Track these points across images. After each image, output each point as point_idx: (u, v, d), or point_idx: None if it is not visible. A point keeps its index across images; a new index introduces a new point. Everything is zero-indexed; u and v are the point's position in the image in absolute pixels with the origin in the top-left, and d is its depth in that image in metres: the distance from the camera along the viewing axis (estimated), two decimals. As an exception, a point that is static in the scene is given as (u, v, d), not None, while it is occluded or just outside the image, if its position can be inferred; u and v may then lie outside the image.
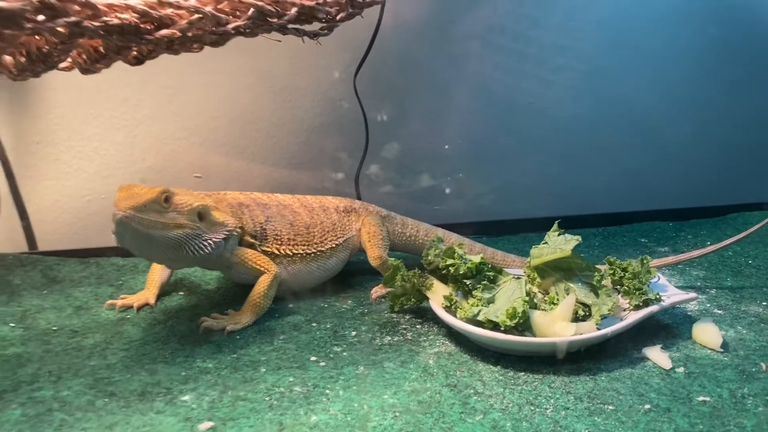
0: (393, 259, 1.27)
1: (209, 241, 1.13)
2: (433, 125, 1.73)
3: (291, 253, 1.28)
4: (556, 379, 1.00)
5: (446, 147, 1.73)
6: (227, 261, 1.20)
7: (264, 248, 1.25)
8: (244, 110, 1.61)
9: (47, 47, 0.95)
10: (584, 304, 1.11)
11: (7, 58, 1.01)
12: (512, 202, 1.78)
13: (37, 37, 0.95)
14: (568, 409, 0.92)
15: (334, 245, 1.34)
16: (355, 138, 1.65)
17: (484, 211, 1.77)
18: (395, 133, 1.69)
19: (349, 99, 1.63)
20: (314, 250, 1.31)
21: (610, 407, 0.93)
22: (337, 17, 1.06)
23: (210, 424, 0.88)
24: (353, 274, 1.44)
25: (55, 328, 1.17)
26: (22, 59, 0.99)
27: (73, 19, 0.85)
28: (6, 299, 1.28)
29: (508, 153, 1.79)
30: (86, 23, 0.87)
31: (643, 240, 1.73)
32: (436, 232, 1.47)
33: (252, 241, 1.24)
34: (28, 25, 0.85)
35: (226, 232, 1.17)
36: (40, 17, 0.85)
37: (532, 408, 0.92)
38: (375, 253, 1.36)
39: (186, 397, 0.95)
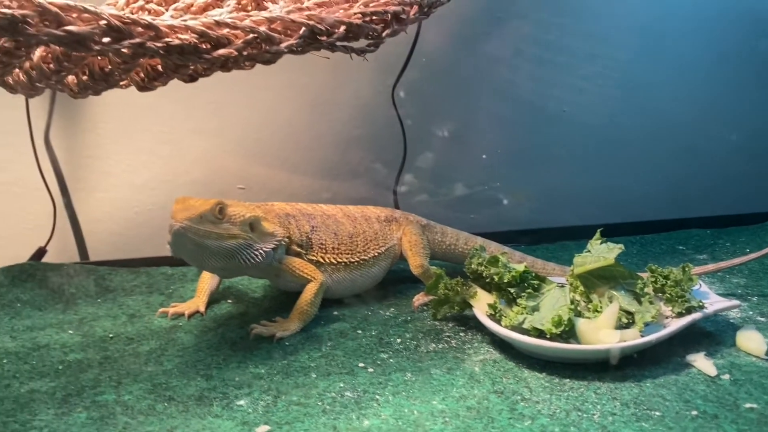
0: (435, 267, 1.29)
1: (260, 250, 1.17)
2: (470, 135, 1.75)
3: (335, 262, 1.31)
4: (601, 385, 1.02)
5: (483, 156, 1.76)
6: (276, 269, 1.24)
7: (310, 257, 1.28)
8: (285, 123, 1.65)
9: (110, 67, 1.00)
10: (627, 312, 1.11)
11: (70, 78, 1.06)
12: (549, 211, 1.79)
13: (99, 57, 1.00)
14: (615, 414, 0.94)
15: (376, 254, 1.37)
16: (393, 149, 1.69)
17: (521, 220, 1.78)
18: (432, 144, 1.72)
19: (386, 111, 1.66)
20: (357, 259, 1.34)
21: (657, 413, 0.94)
22: (383, 34, 1.08)
23: (266, 427, 0.91)
24: (394, 282, 1.46)
25: (111, 335, 1.21)
26: (84, 78, 1.04)
27: (137, 40, 0.89)
28: (63, 307, 1.33)
29: (545, 161, 1.80)
30: (149, 44, 0.91)
31: (681, 248, 1.73)
32: (476, 241, 1.49)
33: (299, 250, 1.27)
34: (96, 47, 0.89)
35: (276, 242, 1.21)
36: (107, 39, 0.90)
37: (579, 414, 0.94)
38: (417, 262, 1.39)
39: (241, 402, 0.98)
